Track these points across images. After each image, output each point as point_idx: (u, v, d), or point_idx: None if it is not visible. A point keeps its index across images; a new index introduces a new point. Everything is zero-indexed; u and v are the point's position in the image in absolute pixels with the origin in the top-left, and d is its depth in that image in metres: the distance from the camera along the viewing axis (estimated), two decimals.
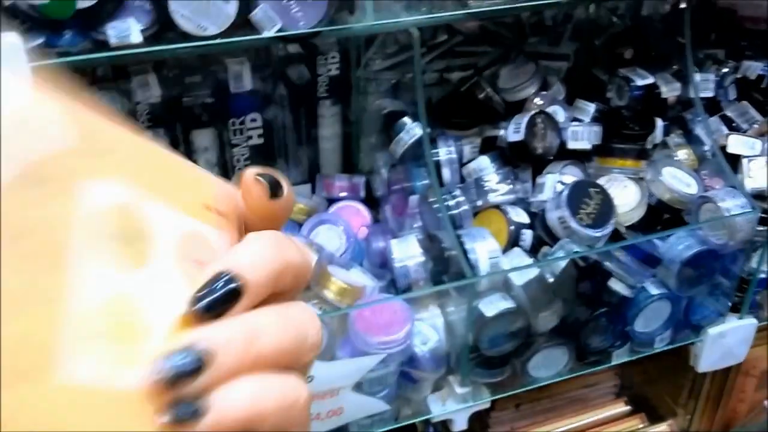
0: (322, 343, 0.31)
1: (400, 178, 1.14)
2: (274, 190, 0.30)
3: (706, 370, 1.21)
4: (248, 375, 0.25)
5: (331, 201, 1.17)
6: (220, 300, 0.26)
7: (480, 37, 1.28)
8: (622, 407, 1.32)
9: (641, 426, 1.32)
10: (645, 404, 1.36)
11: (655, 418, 1.35)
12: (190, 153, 1.07)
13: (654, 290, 1.05)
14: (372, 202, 1.17)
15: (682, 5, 1.20)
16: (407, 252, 0.99)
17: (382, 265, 1.05)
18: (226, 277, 0.27)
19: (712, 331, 1.14)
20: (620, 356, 1.12)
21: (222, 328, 0.26)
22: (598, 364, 1.12)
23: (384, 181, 1.17)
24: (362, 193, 1.18)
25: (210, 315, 0.26)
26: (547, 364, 1.06)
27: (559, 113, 1.16)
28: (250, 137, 1.10)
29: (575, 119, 1.17)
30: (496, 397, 1.06)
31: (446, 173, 1.12)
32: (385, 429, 1.01)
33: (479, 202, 1.08)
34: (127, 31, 0.80)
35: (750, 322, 1.16)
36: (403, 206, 1.12)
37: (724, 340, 1.16)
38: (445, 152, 1.13)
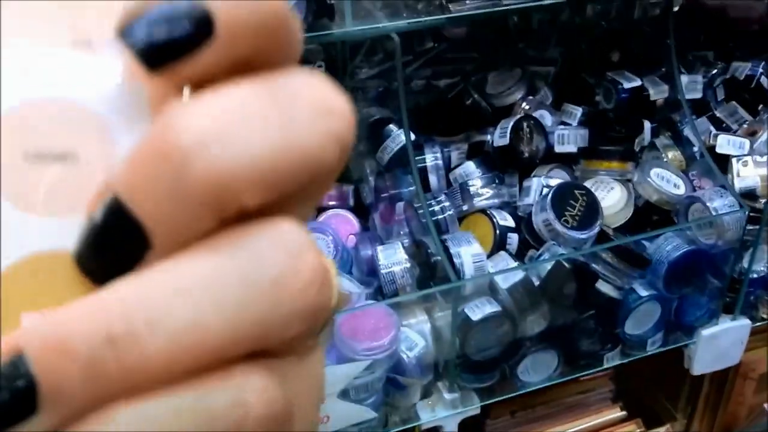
0: (330, 295, 0.17)
1: (387, 186, 1.14)
2: (167, 53, 0.16)
3: (700, 373, 1.19)
4: (123, 405, 0.15)
5: (320, 209, 1.17)
6: (100, 242, 0.16)
7: (466, 43, 1.29)
8: (617, 412, 1.31)
9: (638, 431, 1.30)
10: (642, 409, 1.34)
11: (652, 423, 1.33)
12: None
13: (643, 291, 1.04)
14: (361, 210, 1.17)
15: (675, 8, 1.20)
16: (393, 258, 0.99)
17: (370, 273, 1.04)
18: (110, 204, 0.16)
19: (705, 332, 1.13)
20: (612, 359, 1.11)
21: (72, 323, 0.15)
22: (589, 367, 1.11)
23: (372, 188, 1.17)
24: (351, 202, 1.18)
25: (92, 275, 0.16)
26: (537, 369, 1.05)
27: (546, 117, 1.16)
28: None
29: (563, 123, 1.17)
30: (486, 402, 1.05)
31: (433, 179, 1.12)
32: None
33: (465, 207, 1.08)
34: None
35: (743, 323, 1.15)
36: (391, 214, 1.12)
37: (718, 342, 1.15)
38: (431, 158, 1.13)
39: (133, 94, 0.17)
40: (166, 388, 0.15)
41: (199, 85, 0.17)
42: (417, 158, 1.09)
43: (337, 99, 0.17)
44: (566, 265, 0.98)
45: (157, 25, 0.16)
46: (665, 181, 1.09)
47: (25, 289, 0.16)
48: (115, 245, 0.16)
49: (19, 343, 0.15)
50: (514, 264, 1.00)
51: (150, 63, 0.16)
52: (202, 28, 0.16)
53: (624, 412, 1.32)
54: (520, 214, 1.07)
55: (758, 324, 1.18)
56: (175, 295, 0.15)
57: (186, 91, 0.17)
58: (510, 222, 1.05)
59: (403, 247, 1.00)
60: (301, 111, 0.16)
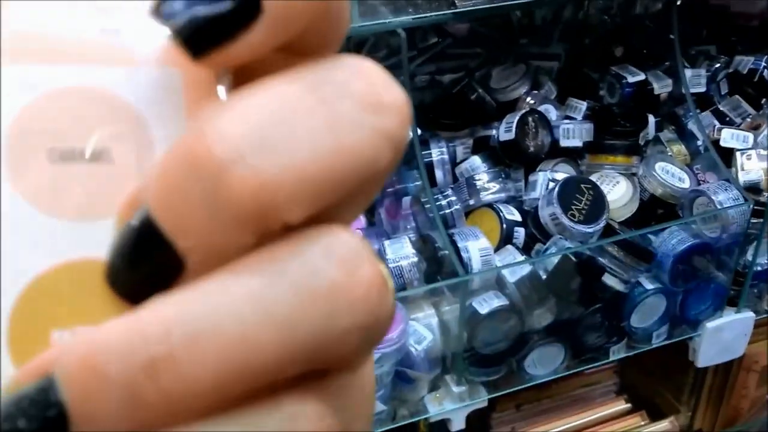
0: (389, 306, 0.15)
1: (393, 181, 1.14)
2: (212, 33, 0.14)
3: (705, 365, 1.20)
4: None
5: None
6: (131, 261, 0.15)
7: (470, 39, 1.29)
8: (622, 405, 1.32)
9: (642, 423, 1.31)
10: (646, 402, 1.35)
11: (656, 416, 1.34)
12: None
13: (648, 285, 1.05)
14: None
15: (678, 2, 1.20)
16: (401, 252, 0.99)
17: None
18: (139, 223, 0.14)
19: (710, 325, 1.14)
20: (617, 352, 1.11)
21: (107, 346, 0.13)
22: (594, 360, 1.11)
23: None
24: None
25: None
26: (544, 362, 1.06)
27: (551, 112, 1.17)
28: None
29: (567, 117, 1.18)
30: (494, 395, 1.05)
31: (439, 174, 1.12)
32: (382, 430, 1.00)
33: (471, 202, 1.08)
34: None
35: (748, 316, 1.16)
36: (397, 209, 1.12)
37: (722, 335, 1.15)
38: (437, 153, 1.13)
39: (168, 85, 0.16)
40: (212, 415, 0.14)
41: (240, 75, 0.16)
42: (423, 153, 1.10)
43: (390, 90, 0.15)
44: (573, 258, 0.99)
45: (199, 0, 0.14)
46: (670, 174, 1.10)
47: (54, 303, 0.15)
48: (146, 263, 0.14)
49: (50, 365, 0.13)
50: (521, 258, 1.01)
51: (193, 45, 0.14)
52: (249, 2, 0.14)
53: (628, 405, 1.32)
54: (526, 208, 1.08)
55: (762, 317, 1.19)
56: (220, 312, 0.13)
57: (225, 82, 0.16)
58: (516, 216, 1.05)
59: (410, 242, 1.01)
60: (350, 107, 0.14)
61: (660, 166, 1.10)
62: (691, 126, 1.20)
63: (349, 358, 0.15)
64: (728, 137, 1.16)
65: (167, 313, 0.13)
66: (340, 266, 0.14)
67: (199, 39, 0.14)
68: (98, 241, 0.15)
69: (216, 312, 0.13)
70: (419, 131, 1.09)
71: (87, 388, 0.13)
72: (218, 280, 0.14)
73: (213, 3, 0.14)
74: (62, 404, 0.13)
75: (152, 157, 0.15)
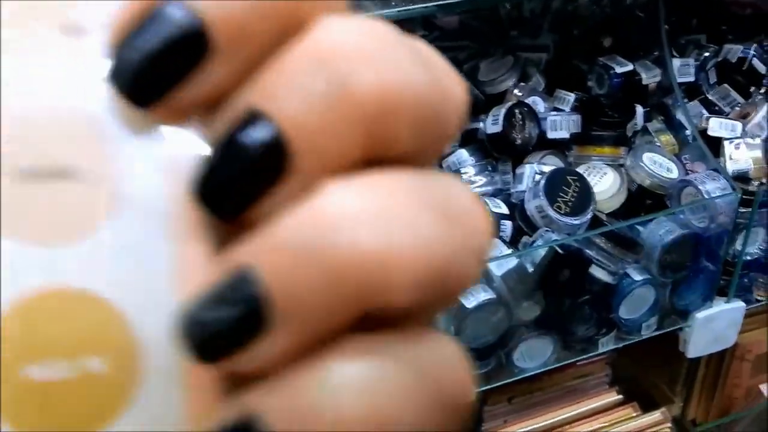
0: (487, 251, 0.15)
1: None
2: (156, 84, 0.14)
3: (695, 356, 1.20)
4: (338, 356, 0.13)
5: None
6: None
7: (458, 32, 1.28)
8: (614, 396, 1.31)
9: (634, 414, 1.31)
10: (639, 393, 1.35)
11: (649, 407, 1.34)
12: None
13: (637, 276, 1.05)
14: None
15: None
16: None
17: None
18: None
19: (700, 315, 1.14)
20: (606, 344, 1.11)
21: (301, 227, 0.13)
22: (584, 352, 1.11)
23: None
24: None
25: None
26: (533, 355, 1.06)
27: (539, 104, 1.16)
28: None
29: (555, 109, 1.17)
30: (482, 389, 1.05)
31: None
32: None
33: None
34: None
35: (738, 306, 1.16)
36: None
37: (713, 325, 1.15)
38: None
39: None
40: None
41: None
42: None
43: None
44: (560, 251, 0.98)
45: (138, 50, 0.14)
46: (658, 165, 1.10)
47: (25, 339, 0.13)
48: (255, 166, 0.13)
49: (239, 263, 0.13)
50: (508, 251, 1.01)
51: (138, 101, 0.14)
52: (193, 43, 0.13)
53: (620, 396, 1.32)
54: (513, 201, 1.07)
55: (753, 306, 1.19)
56: (414, 208, 0.14)
57: None
58: (503, 209, 1.05)
59: None
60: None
61: (648, 157, 1.10)
62: (680, 116, 1.19)
63: (464, 284, 0.15)
64: (716, 126, 1.16)
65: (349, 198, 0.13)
66: (471, 196, 0.15)
67: (141, 94, 0.14)
68: (66, 269, 0.14)
69: (411, 207, 0.14)
70: None
71: (283, 269, 0.13)
72: (384, 174, 0.14)
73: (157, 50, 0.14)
74: (261, 284, 0.13)
75: (120, 172, 0.14)
